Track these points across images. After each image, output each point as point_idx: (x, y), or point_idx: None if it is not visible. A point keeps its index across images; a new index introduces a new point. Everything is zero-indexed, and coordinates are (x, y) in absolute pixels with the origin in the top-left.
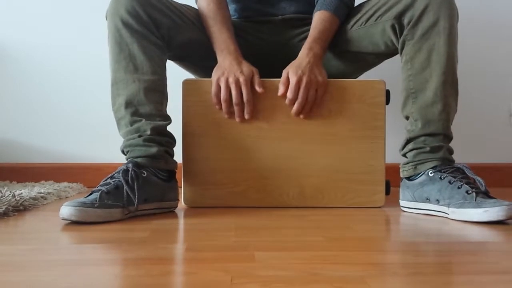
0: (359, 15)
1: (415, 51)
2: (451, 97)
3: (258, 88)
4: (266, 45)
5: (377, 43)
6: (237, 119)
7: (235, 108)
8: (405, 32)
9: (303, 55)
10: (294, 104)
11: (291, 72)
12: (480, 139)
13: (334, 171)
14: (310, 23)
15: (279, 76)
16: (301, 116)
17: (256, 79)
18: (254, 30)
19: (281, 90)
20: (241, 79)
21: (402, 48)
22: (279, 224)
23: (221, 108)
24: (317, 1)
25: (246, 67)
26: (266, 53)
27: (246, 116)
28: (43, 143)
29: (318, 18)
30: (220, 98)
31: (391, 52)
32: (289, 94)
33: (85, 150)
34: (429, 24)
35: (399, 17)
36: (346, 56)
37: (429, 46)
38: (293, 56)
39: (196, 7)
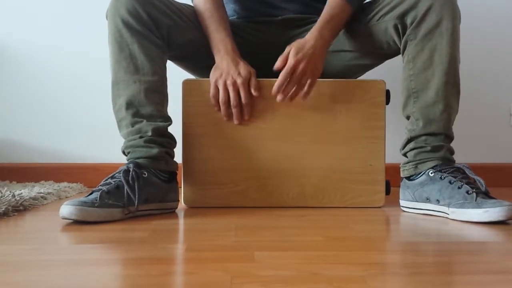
0: (361, 15)
1: (418, 51)
2: (453, 98)
3: (253, 92)
4: (266, 45)
5: (379, 42)
6: (235, 122)
7: (233, 110)
8: (407, 32)
9: (311, 37)
10: (281, 88)
11: (292, 52)
12: (480, 139)
13: (334, 171)
14: (309, 23)
15: (279, 75)
16: (282, 99)
17: (253, 81)
18: (253, 30)
19: (277, 64)
20: (239, 81)
21: (404, 48)
22: (279, 224)
23: (219, 110)
24: None
25: (244, 68)
26: (265, 53)
27: (246, 117)
28: (43, 143)
29: (329, 4)
30: (218, 100)
31: (392, 52)
32: (281, 77)
33: (85, 150)
34: (432, 25)
35: (402, 17)
36: (347, 56)
37: (432, 46)
38: None
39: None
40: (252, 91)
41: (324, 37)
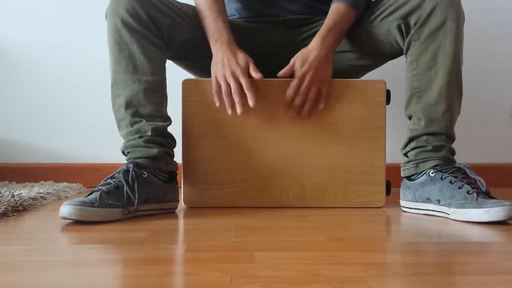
0: (363, 16)
1: (421, 51)
2: (455, 98)
3: (254, 74)
4: (268, 45)
5: (382, 43)
6: (238, 110)
7: (235, 97)
8: (411, 32)
9: (315, 45)
10: (293, 102)
11: (298, 64)
12: (480, 139)
13: (334, 171)
14: (311, 23)
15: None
16: (302, 114)
17: (252, 67)
18: (255, 29)
19: (282, 72)
20: (238, 71)
21: (408, 48)
22: (279, 224)
23: (222, 105)
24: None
25: (241, 58)
26: (267, 52)
27: (250, 104)
28: (43, 143)
29: (333, 9)
30: (220, 95)
31: (395, 53)
32: (290, 91)
33: (85, 150)
34: (437, 25)
35: (406, 17)
36: (349, 56)
37: (435, 46)
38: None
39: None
40: (253, 74)
41: (328, 44)
